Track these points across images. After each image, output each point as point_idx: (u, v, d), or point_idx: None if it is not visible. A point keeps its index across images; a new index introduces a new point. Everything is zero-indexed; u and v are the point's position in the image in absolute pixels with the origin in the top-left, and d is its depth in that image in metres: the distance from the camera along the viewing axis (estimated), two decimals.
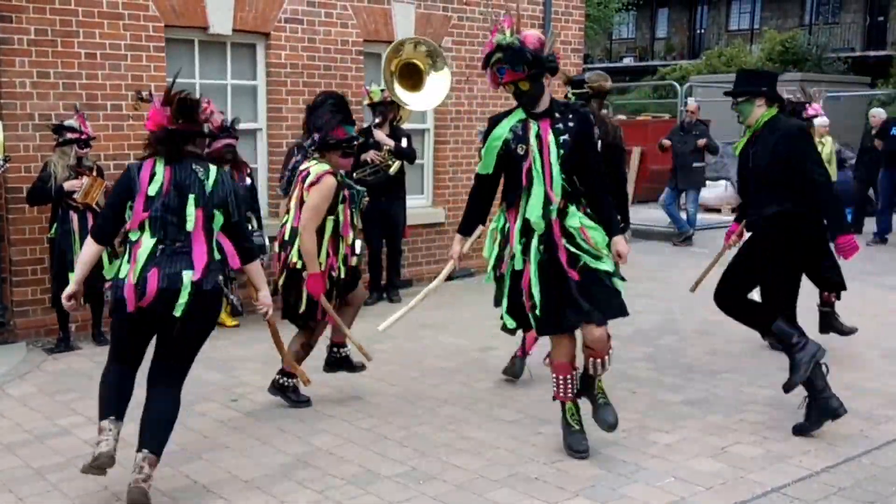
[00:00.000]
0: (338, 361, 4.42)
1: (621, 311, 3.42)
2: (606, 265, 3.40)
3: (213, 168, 3.20)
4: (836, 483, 3.38)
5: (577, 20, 8.62)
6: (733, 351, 5.34)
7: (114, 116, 5.78)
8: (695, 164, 9.70)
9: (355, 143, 4.15)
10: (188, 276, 3.02)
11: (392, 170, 6.41)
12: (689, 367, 5.00)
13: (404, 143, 6.51)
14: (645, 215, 11.61)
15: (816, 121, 9.68)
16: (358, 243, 4.18)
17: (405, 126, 6.78)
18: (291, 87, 6.56)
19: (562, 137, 3.42)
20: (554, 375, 3.62)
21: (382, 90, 6.27)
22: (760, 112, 3.98)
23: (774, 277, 3.93)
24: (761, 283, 4.06)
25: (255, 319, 4.50)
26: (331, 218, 4.01)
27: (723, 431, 3.94)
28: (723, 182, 12.20)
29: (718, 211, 12.08)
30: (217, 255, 3.14)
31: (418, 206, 7.46)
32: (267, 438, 3.86)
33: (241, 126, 5.82)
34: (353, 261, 4.14)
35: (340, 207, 4.05)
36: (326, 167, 4.00)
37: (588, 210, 3.47)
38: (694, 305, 6.67)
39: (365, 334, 5.64)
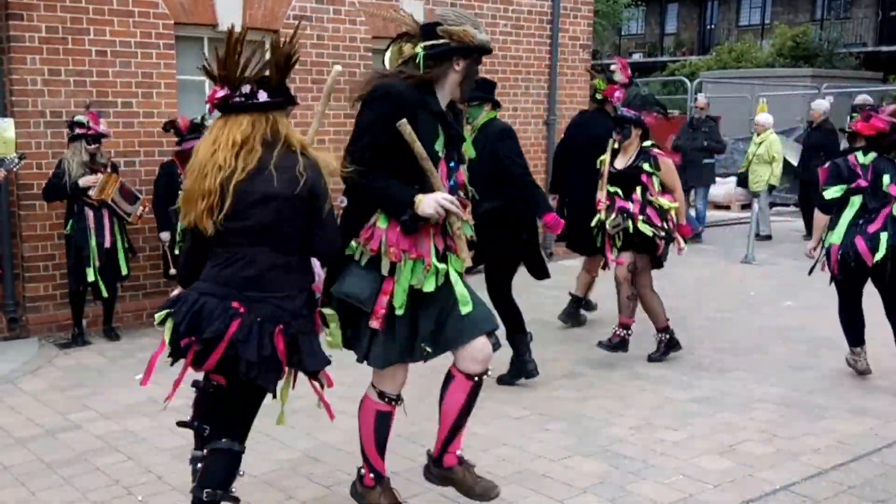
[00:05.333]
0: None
1: None
2: None
3: None
4: (846, 481, 3.36)
5: (586, 16, 8.59)
6: (742, 348, 5.32)
7: (124, 114, 5.81)
8: (704, 161, 9.64)
9: None
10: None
11: None
12: (698, 364, 4.98)
13: None
14: None
15: (758, 118, 9.52)
16: None
17: None
18: (300, 85, 6.57)
19: None
20: None
21: None
22: (484, 115, 4.43)
23: (497, 271, 4.47)
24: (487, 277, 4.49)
25: None
26: None
27: (731, 429, 3.93)
28: (732, 178, 12.16)
29: (728, 208, 12.03)
30: None
31: None
32: (275, 434, 3.87)
33: None
34: None
35: None
36: None
37: None
38: (702, 302, 6.64)
39: None
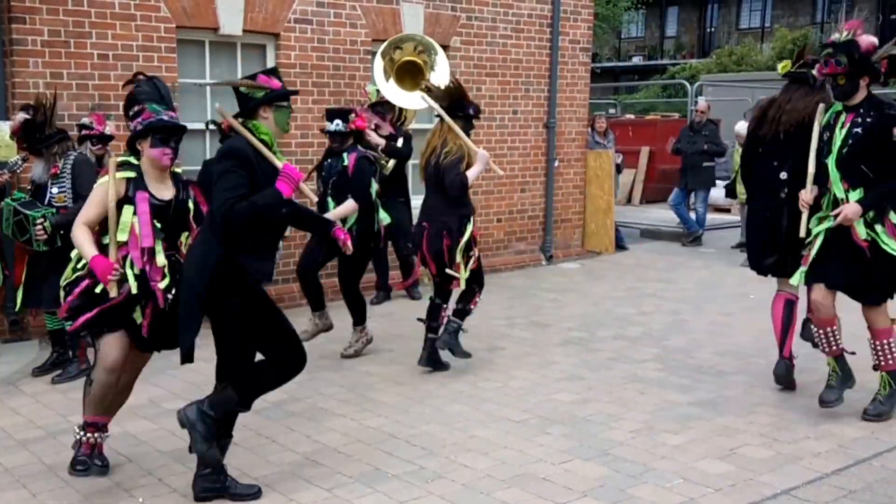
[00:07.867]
0: None
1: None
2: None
3: None
4: (847, 486, 3.36)
5: (586, 19, 8.61)
6: (742, 352, 5.32)
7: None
8: (704, 164, 9.65)
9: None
10: None
11: (386, 169, 6.38)
12: (698, 367, 4.99)
13: (400, 142, 6.48)
14: (654, 215, 11.59)
15: (738, 128, 9.50)
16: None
17: (412, 126, 6.76)
18: (301, 88, 6.58)
19: (854, 129, 3.84)
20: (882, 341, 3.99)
21: (378, 90, 6.25)
22: None
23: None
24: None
25: None
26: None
27: (732, 433, 3.93)
28: None
29: (728, 211, 12.03)
30: None
31: (416, 205, 7.44)
32: (276, 437, 3.88)
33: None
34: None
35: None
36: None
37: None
38: (703, 306, 6.65)
39: (376, 333, 5.67)
